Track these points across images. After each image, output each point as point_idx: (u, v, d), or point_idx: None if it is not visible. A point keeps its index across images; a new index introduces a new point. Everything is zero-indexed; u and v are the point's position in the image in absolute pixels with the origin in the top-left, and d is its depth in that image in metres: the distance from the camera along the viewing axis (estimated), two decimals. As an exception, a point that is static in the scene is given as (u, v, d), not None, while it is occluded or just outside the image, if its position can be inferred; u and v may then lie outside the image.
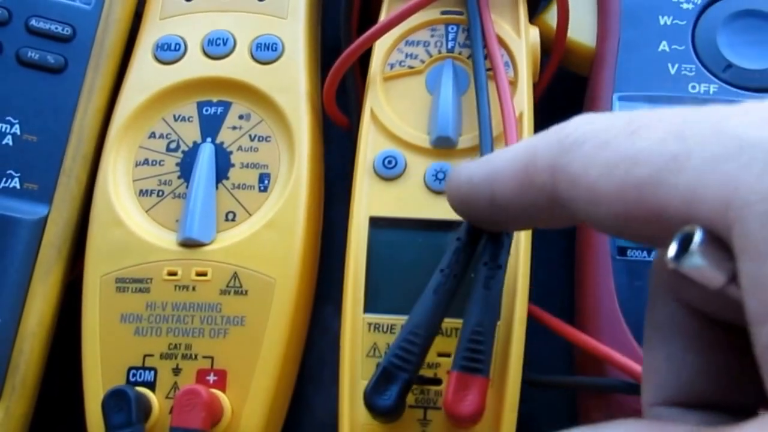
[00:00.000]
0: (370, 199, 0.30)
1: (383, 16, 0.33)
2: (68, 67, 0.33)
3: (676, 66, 0.33)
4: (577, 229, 0.32)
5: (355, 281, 0.29)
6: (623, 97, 0.32)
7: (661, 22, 0.33)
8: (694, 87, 0.32)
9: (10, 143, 0.32)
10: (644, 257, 0.30)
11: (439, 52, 0.33)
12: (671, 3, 0.33)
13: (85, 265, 0.31)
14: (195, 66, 0.34)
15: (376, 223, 0.30)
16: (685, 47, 0.33)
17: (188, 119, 0.33)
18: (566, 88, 0.36)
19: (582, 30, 0.35)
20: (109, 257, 0.31)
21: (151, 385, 0.29)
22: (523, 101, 0.31)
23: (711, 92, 0.32)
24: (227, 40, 0.34)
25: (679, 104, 0.31)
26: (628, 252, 0.31)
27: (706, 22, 0.33)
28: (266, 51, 0.34)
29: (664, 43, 0.33)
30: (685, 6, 0.33)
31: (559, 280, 0.34)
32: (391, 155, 0.31)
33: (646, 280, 0.30)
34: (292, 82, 0.33)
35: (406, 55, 0.33)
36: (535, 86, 0.34)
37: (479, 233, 0.25)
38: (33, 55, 0.32)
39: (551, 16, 0.35)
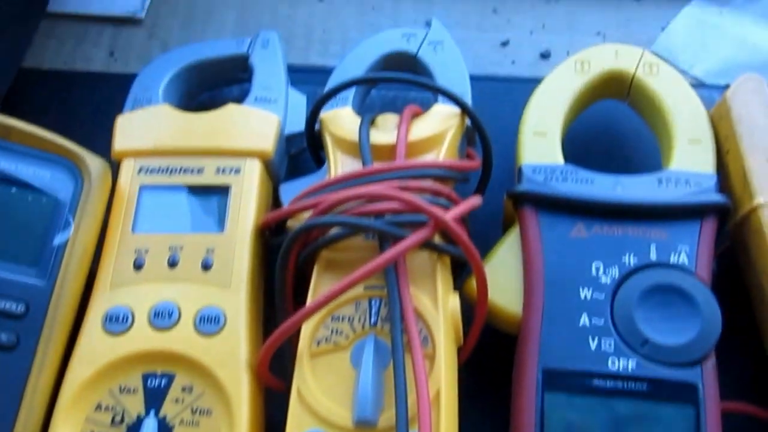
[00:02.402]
0: None
1: (310, 297, 0.35)
2: (20, 344, 0.34)
3: (597, 340, 0.34)
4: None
5: None
6: (545, 371, 0.34)
7: (582, 296, 0.35)
8: (614, 362, 0.34)
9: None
10: None
11: (363, 327, 0.35)
12: (591, 276, 0.35)
13: None
14: (142, 338, 0.35)
15: None
16: (605, 321, 0.34)
17: (133, 391, 0.35)
18: (498, 345, 0.38)
19: (508, 297, 0.36)
20: None
21: None
22: (440, 378, 0.33)
23: (630, 369, 0.33)
24: (173, 312, 0.36)
25: (601, 382, 0.33)
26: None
27: (623, 297, 0.35)
28: (209, 324, 0.35)
29: (584, 316, 0.35)
30: (603, 279, 0.35)
31: None
32: None
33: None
34: (232, 354, 0.35)
35: (332, 331, 0.35)
36: (461, 349, 0.36)
37: None
38: (-14, 334, 0.34)
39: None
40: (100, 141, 0.41)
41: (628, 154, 0.45)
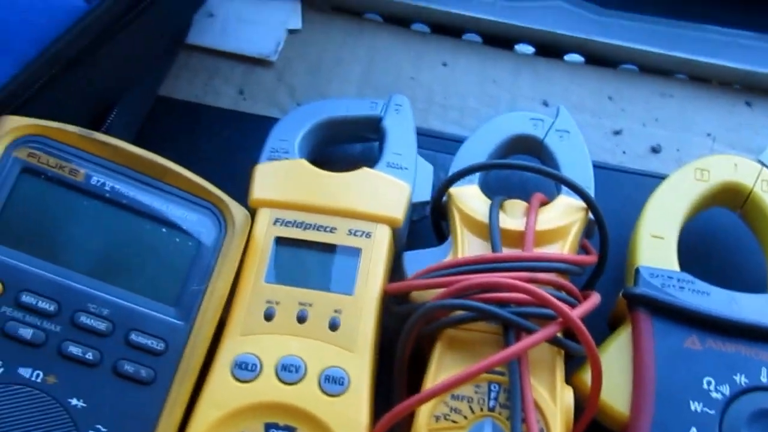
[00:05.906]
0: None
1: (431, 376, 0.37)
2: (156, 380, 0.36)
3: (705, 456, 0.36)
4: None
5: None
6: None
7: (692, 408, 0.36)
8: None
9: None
10: None
11: (481, 410, 0.36)
12: (702, 390, 0.37)
13: None
14: (268, 389, 0.37)
15: None
16: (714, 437, 0.36)
17: (254, 439, 0.37)
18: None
19: (617, 396, 0.38)
20: None
21: None
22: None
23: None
24: (299, 367, 0.38)
25: None
26: None
27: (732, 416, 0.36)
28: (333, 384, 0.37)
29: (693, 430, 0.36)
30: (714, 395, 0.37)
31: None
32: None
33: None
34: (354, 418, 0.36)
35: (451, 409, 0.36)
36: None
37: None
38: (128, 368, 0.36)
39: (587, 375, 0.38)
40: (222, 179, 0.42)
41: (736, 266, 0.47)
